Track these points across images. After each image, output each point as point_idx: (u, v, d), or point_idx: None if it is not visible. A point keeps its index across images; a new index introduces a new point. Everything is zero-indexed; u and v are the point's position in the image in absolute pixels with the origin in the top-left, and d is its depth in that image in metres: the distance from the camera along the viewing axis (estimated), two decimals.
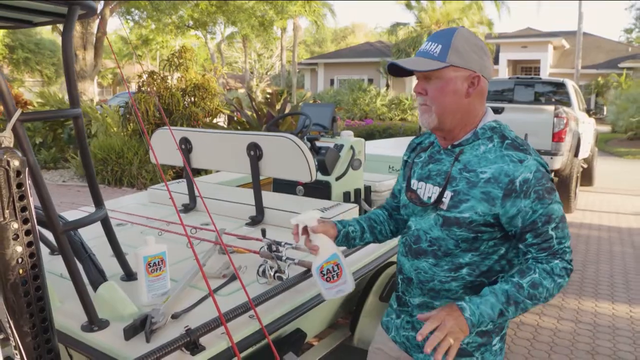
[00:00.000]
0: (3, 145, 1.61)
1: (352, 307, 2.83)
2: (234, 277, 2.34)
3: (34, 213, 1.60)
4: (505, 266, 1.64)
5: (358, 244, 1.91)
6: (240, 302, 1.98)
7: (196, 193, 3.47)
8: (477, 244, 1.60)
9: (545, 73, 25.44)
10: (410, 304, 1.76)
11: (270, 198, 3.28)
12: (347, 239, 1.86)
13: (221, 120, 10.96)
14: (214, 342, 1.83)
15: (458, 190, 1.59)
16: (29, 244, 1.58)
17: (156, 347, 1.67)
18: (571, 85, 9.31)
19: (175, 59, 10.10)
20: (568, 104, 8.78)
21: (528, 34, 28.65)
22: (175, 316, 2.00)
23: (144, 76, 9.81)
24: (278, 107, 9.88)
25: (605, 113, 13.79)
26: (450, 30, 1.60)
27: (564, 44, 27.54)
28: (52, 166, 11.86)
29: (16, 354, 1.60)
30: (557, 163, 7.89)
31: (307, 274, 2.31)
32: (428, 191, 1.68)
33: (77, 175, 10.89)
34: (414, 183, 1.74)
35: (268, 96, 11.30)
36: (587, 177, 10.23)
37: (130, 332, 1.87)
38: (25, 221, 1.56)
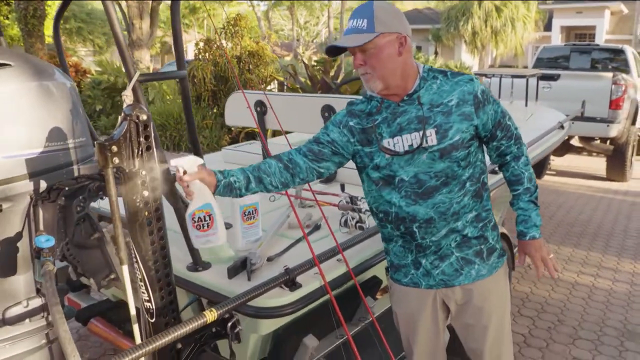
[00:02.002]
0: (126, 103, 1.82)
1: None
2: (316, 228, 2.54)
3: (158, 162, 1.82)
4: (483, 167, 1.98)
5: (245, 194, 1.89)
6: (324, 249, 2.17)
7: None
8: (469, 157, 1.88)
9: (601, 40, 24.40)
10: (433, 241, 1.91)
11: None
12: (230, 190, 1.83)
13: (274, 87, 11.15)
14: (309, 281, 2.04)
15: (439, 124, 1.82)
16: (153, 190, 1.80)
17: (260, 283, 1.88)
18: (630, 52, 9.11)
19: (231, 27, 10.29)
20: (627, 71, 8.61)
21: None
22: (270, 259, 2.22)
23: (201, 44, 10.06)
24: (332, 73, 9.98)
25: None
26: (368, 4, 1.79)
27: (622, 9, 26.39)
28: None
29: (141, 285, 1.84)
30: (614, 131, 7.80)
31: None
32: (406, 140, 1.85)
33: None
34: (389, 142, 1.88)
35: (315, 64, 11.39)
36: None
37: (233, 272, 2.10)
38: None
